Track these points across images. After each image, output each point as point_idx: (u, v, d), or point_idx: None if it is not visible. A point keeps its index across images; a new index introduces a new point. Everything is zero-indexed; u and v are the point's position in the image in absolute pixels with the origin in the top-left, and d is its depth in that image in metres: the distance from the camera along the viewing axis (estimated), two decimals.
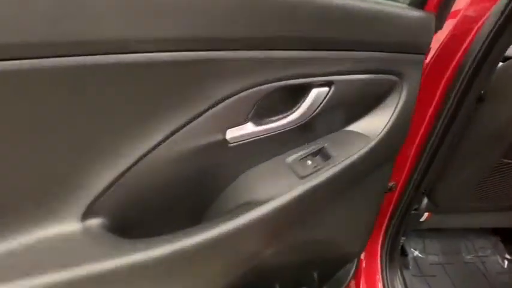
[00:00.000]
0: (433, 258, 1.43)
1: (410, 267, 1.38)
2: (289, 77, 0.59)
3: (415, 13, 0.65)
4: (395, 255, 1.13)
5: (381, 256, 1.10)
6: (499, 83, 0.91)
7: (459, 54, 0.82)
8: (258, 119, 0.62)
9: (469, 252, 1.45)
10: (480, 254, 1.44)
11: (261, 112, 0.62)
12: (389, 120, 0.70)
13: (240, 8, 0.48)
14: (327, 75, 0.62)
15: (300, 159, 0.69)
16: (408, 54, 0.67)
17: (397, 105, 0.70)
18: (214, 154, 0.62)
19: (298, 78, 0.60)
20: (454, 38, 0.82)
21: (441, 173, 1.07)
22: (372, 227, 0.93)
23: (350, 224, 0.84)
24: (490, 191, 1.17)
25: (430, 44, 0.68)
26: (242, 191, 0.67)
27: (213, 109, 0.55)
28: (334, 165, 0.67)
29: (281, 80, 0.59)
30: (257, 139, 0.63)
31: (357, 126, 0.73)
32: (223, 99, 0.55)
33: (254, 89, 0.57)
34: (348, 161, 0.68)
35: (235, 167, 0.67)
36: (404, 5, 0.67)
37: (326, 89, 0.63)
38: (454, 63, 0.82)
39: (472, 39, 0.78)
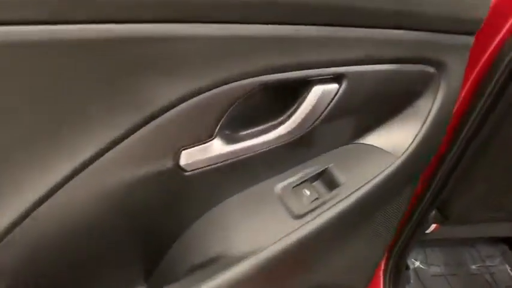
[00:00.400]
0: (435, 270, 1.28)
1: (411, 281, 1.22)
2: (280, 68, 0.37)
3: None
4: (401, 280, 0.95)
5: (384, 283, 0.92)
6: None
7: (498, 38, 0.60)
8: (230, 133, 0.41)
9: (475, 262, 1.30)
10: (488, 263, 1.29)
11: (236, 122, 0.40)
12: (420, 130, 0.49)
13: None
14: (336, 66, 0.40)
15: (294, 188, 0.48)
16: (454, 34, 0.45)
17: (431, 108, 0.49)
18: (162, 186, 0.40)
19: (292, 69, 0.38)
20: (495, 14, 0.60)
21: (458, 184, 0.89)
22: (381, 257, 0.74)
23: (359, 261, 0.65)
24: (507, 201, 1.01)
25: (483, 20, 0.46)
26: (209, 238, 0.45)
27: (159, 118, 0.35)
28: (343, 198, 0.46)
29: (267, 73, 0.37)
30: (229, 163, 0.42)
31: (374, 139, 0.52)
32: (174, 104, 0.35)
33: (225, 86, 0.36)
34: (362, 191, 0.47)
35: (197, 203, 0.45)
36: None
37: (334, 86, 0.41)
38: (489, 51, 0.61)
39: None
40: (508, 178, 0.88)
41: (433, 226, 1.11)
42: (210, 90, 0.35)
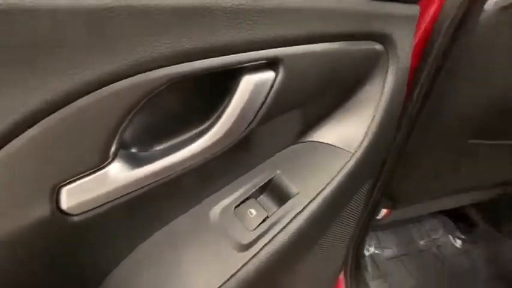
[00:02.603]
0: (388, 252, 1.30)
1: (369, 269, 1.22)
2: (193, 53, 0.26)
3: None
4: (361, 270, 0.92)
5: (345, 275, 0.87)
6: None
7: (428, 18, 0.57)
8: (135, 151, 0.29)
9: (422, 237, 1.35)
10: (433, 236, 1.35)
11: (142, 135, 0.29)
12: (373, 119, 0.42)
13: None
14: (270, 47, 0.30)
15: (236, 209, 0.37)
16: (399, 3, 0.38)
17: (382, 92, 0.42)
18: (44, 241, 0.27)
19: (212, 54, 0.27)
20: None
21: (405, 168, 0.87)
22: (343, 259, 0.67)
23: (320, 273, 0.56)
24: (446, 178, 1.04)
25: None
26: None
27: (17, 139, 0.23)
28: (298, 212, 0.37)
29: (177, 61, 0.26)
30: (141, 194, 0.30)
31: (323, 135, 0.43)
32: (37, 115, 0.23)
33: (115, 85, 0.24)
34: (318, 200, 0.38)
35: (100, 254, 0.33)
36: None
37: (269, 74, 0.31)
38: (427, 21, 0.57)
39: None
40: (445, 156, 0.89)
41: (384, 211, 1.10)
42: (93, 90, 0.23)
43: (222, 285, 0.32)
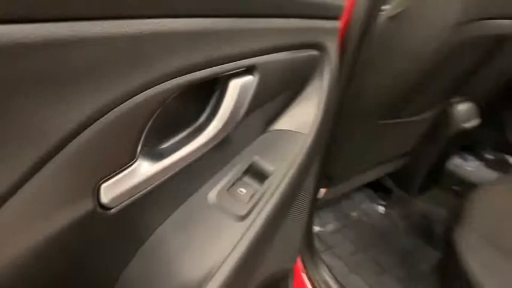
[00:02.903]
0: (330, 227, 1.49)
1: (316, 245, 1.38)
2: (196, 66, 0.35)
3: None
4: (314, 249, 1.05)
5: (302, 258, 1.00)
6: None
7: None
8: (152, 149, 0.36)
9: (354, 209, 1.57)
10: (361, 207, 1.58)
11: (156, 135, 0.36)
12: (318, 108, 0.55)
13: None
14: (248, 57, 0.40)
15: (229, 190, 0.46)
16: (325, 20, 0.51)
17: (322, 85, 0.55)
18: (84, 234, 0.33)
19: (209, 65, 0.36)
20: None
21: (336, 148, 1.03)
22: (303, 232, 0.79)
23: (291, 241, 0.68)
24: (369, 154, 1.25)
25: (343, 7, 0.54)
26: (150, 280, 0.39)
27: (64, 150, 0.28)
28: (277, 186, 0.47)
29: (184, 73, 0.34)
30: (157, 185, 0.37)
31: (285, 123, 0.55)
32: (79, 128, 0.29)
33: (137, 97, 0.31)
34: (289, 174, 0.49)
35: (127, 242, 0.38)
36: None
37: (250, 78, 0.41)
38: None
39: None
40: (364, 137, 1.09)
41: (323, 191, 1.27)
42: (121, 103, 0.30)
43: (231, 251, 0.41)
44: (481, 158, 1.90)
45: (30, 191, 0.26)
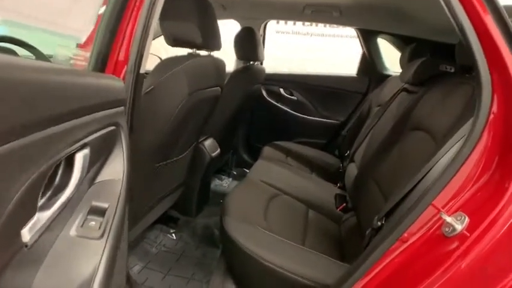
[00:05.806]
0: (137, 268, 1.65)
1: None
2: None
3: (105, 80, 0.79)
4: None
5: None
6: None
7: None
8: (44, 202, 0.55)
9: (151, 245, 1.82)
10: (158, 240, 1.86)
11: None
12: (123, 161, 0.83)
13: None
14: (82, 139, 0.65)
15: (83, 225, 0.66)
16: (114, 109, 0.81)
17: (122, 146, 0.84)
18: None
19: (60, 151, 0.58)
20: None
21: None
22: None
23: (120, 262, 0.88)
24: (154, 189, 1.55)
25: (125, 99, 0.86)
26: None
27: None
28: (113, 215, 0.72)
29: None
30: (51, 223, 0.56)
31: (106, 175, 0.78)
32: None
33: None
34: (121, 204, 0.75)
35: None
36: (94, 72, 0.81)
37: (86, 150, 0.66)
38: None
39: None
40: (148, 177, 1.41)
41: None
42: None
43: (100, 260, 0.61)
44: (229, 175, 2.70)
45: None
